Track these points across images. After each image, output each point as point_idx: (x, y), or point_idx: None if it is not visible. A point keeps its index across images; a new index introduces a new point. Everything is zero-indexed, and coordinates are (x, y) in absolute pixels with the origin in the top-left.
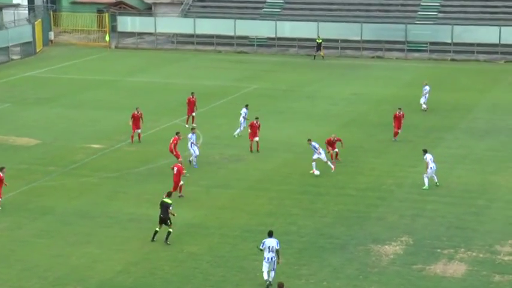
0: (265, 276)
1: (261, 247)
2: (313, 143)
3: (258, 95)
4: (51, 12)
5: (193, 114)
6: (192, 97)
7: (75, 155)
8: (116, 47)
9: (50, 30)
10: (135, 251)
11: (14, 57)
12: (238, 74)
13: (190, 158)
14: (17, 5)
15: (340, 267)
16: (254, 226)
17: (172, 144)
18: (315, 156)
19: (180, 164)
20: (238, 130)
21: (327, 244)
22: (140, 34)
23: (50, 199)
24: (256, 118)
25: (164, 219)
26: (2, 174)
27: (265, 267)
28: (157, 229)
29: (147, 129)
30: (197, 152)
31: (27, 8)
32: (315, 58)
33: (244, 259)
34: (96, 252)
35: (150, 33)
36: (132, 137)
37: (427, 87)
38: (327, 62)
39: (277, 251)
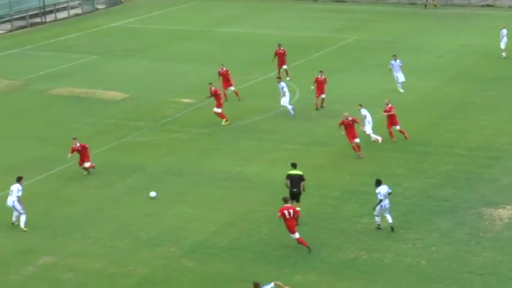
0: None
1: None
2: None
3: (358, 47)
4: None
5: (285, 67)
6: (279, 49)
7: (165, 109)
8: None
9: None
10: (230, 211)
11: (100, 6)
12: (336, 24)
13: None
14: None
15: (449, 231)
16: (356, 187)
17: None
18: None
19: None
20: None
21: (435, 207)
22: None
23: (140, 156)
24: (321, 72)
25: (296, 194)
26: (78, 144)
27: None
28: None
29: (241, 82)
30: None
31: None
32: (426, 7)
33: (345, 221)
34: (189, 212)
35: None
36: (225, 94)
37: (504, 30)
38: (432, 12)
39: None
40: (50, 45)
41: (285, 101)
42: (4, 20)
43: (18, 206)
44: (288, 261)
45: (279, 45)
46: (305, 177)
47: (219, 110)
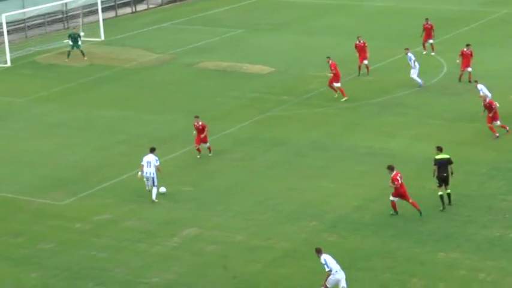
0: None
1: None
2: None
3: (508, 21)
4: None
5: (431, 41)
6: (427, 23)
7: (310, 84)
8: None
9: None
10: (372, 186)
11: None
12: None
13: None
14: None
15: None
16: (502, 163)
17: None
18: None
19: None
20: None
21: None
22: None
23: (283, 130)
24: (468, 45)
25: (446, 179)
26: (198, 123)
27: None
28: (440, 193)
29: (384, 57)
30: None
31: None
32: None
33: (491, 199)
34: (331, 187)
35: None
36: (364, 67)
37: None
38: None
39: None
40: (198, 19)
41: (413, 72)
42: None
43: (155, 178)
44: (430, 238)
45: (426, 19)
46: (452, 160)
47: (338, 85)
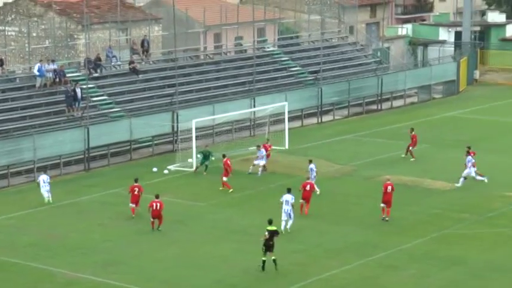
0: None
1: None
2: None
3: None
4: (478, 50)
5: None
6: None
7: (493, 202)
8: None
9: (476, 68)
10: None
11: (436, 95)
12: None
13: None
14: (443, 42)
15: None
16: None
17: None
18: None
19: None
20: None
21: None
22: None
23: (461, 248)
24: None
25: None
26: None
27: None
28: None
29: None
30: None
31: (453, 45)
32: None
33: None
34: None
35: None
36: None
37: None
38: None
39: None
40: (382, 132)
41: None
42: (342, 106)
43: None
44: None
45: None
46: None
47: None
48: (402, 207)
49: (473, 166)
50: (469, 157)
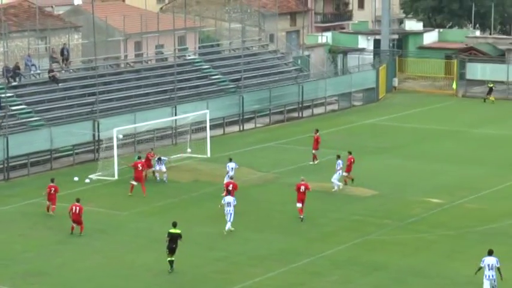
0: None
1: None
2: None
3: None
4: (397, 58)
5: None
6: None
7: (413, 209)
8: (463, 96)
9: (395, 76)
10: None
11: (356, 103)
12: None
13: None
14: (362, 50)
15: None
16: None
17: None
18: None
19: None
20: None
21: None
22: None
23: (383, 254)
24: None
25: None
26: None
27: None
28: None
29: (492, 185)
30: None
31: (372, 53)
32: None
33: None
34: None
35: (501, 82)
36: None
37: None
38: None
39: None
40: (304, 139)
41: None
42: (263, 114)
43: None
44: None
45: None
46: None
47: None
48: (324, 214)
49: (346, 171)
50: (339, 161)
